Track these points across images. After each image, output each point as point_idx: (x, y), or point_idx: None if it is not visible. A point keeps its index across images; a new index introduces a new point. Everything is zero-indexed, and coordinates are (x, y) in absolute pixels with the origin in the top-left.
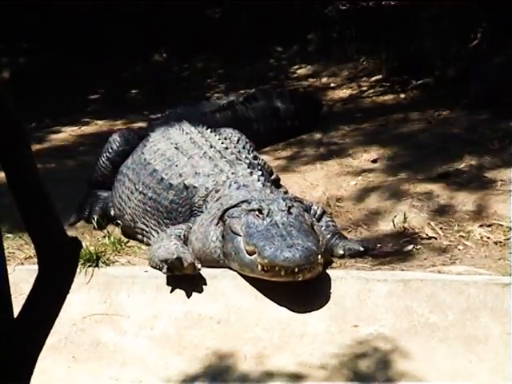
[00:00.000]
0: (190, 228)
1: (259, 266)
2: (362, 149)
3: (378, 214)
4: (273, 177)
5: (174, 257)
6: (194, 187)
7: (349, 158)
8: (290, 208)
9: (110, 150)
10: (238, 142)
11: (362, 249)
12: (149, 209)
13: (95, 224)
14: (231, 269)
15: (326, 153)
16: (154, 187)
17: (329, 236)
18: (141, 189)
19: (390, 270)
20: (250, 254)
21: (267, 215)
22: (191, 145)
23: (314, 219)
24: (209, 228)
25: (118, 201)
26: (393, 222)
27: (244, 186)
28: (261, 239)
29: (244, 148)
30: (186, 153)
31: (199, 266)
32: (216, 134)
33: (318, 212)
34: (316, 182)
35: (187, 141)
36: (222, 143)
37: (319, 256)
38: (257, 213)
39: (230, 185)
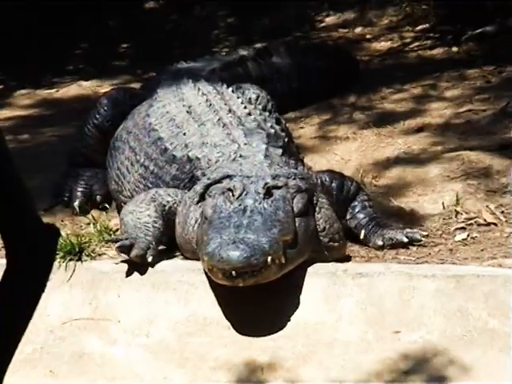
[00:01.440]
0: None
1: (205, 264)
2: (404, 115)
3: (424, 194)
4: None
5: (127, 243)
6: (197, 159)
7: (388, 127)
8: (271, 189)
9: (97, 116)
10: (264, 106)
11: (405, 239)
12: (150, 186)
13: (77, 209)
14: None
15: (360, 120)
16: (156, 159)
17: (365, 221)
18: (142, 160)
19: (440, 263)
20: None
21: (238, 197)
22: (206, 109)
23: (321, 201)
24: (190, 208)
25: (115, 173)
26: (442, 204)
27: (241, 157)
28: (214, 230)
29: (270, 114)
30: (198, 118)
31: (149, 258)
32: (239, 96)
33: (352, 189)
34: (348, 156)
35: (202, 103)
36: (245, 107)
37: (269, 257)
38: (230, 193)
39: (230, 156)
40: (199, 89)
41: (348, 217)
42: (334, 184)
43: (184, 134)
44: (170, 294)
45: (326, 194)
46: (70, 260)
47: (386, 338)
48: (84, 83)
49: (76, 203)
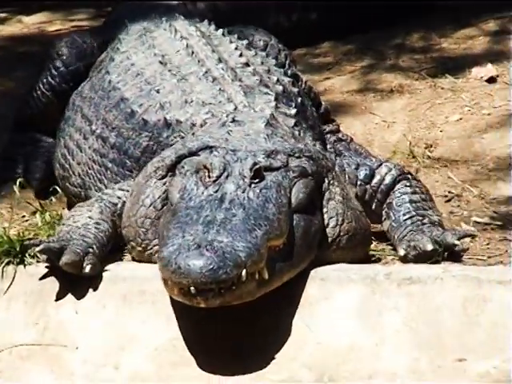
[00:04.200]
0: None
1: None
2: (471, 59)
3: (497, 169)
4: (321, 110)
5: (55, 245)
6: (178, 122)
7: (448, 76)
8: (262, 171)
9: (53, 71)
10: (275, 58)
11: (457, 242)
12: (110, 165)
13: (35, 186)
14: None
15: (409, 67)
16: (119, 127)
17: (399, 221)
18: (99, 131)
19: None
20: None
21: (215, 181)
22: (187, 58)
23: (333, 190)
24: (149, 182)
25: (61, 153)
26: None
27: (234, 122)
28: (176, 224)
29: (278, 64)
30: (176, 71)
31: (87, 268)
32: (233, 40)
33: (388, 179)
34: (392, 118)
35: (182, 51)
36: (241, 55)
37: (244, 271)
38: (207, 173)
39: (220, 119)
40: (176, 30)
41: (383, 217)
42: (360, 172)
43: (157, 91)
44: (148, 310)
45: (347, 183)
46: (9, 263)
47: (445, 369)
48: (26, 19)
49: (37, 177)
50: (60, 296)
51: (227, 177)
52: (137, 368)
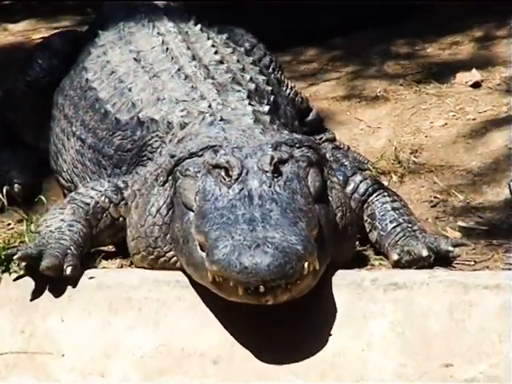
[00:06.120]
0: (126, 186)
1: (209, 274)
2: (456, 65)
3: (482, 175)
4: (310, 117)
5: (33, 251)
6: (153, 121)
7: (433, 82)
8: (279, 163)
9: (30, 70)
10: (247, 53)
11: (451, 249)
12: (88, 164)
13: (18, 194)
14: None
15: (392, 72)
16: (95, 128)
17: (396, 229)
18: (78, 132)
19: (507, 269)
20: (203, 249)
21: (237, 179)
22: (161, 55)
23: (333, 179)
24: (152, 190)
25: (52, 149)
26: (509, 187)
27: (223, 120)
28: (215, 227)
29: (255, 63)
30: (149, 68)
31: (68, 270)
32: (210, 36)
33: (362, 187)
34: (377, 123)
35: (157, 47)
36: (217, 52)
37: (306, 263)
38: (222, 173)
39: (204, 118)
40: (154, 26)
41: (367, 229)
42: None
43: (130, 89)
44: (134, 317)
45: None
46: None
47: (432, 374)
48: (12, 27)
49: (20, 183)
50: (46, 304)
51: (247, 173)
52: (123, 376)
